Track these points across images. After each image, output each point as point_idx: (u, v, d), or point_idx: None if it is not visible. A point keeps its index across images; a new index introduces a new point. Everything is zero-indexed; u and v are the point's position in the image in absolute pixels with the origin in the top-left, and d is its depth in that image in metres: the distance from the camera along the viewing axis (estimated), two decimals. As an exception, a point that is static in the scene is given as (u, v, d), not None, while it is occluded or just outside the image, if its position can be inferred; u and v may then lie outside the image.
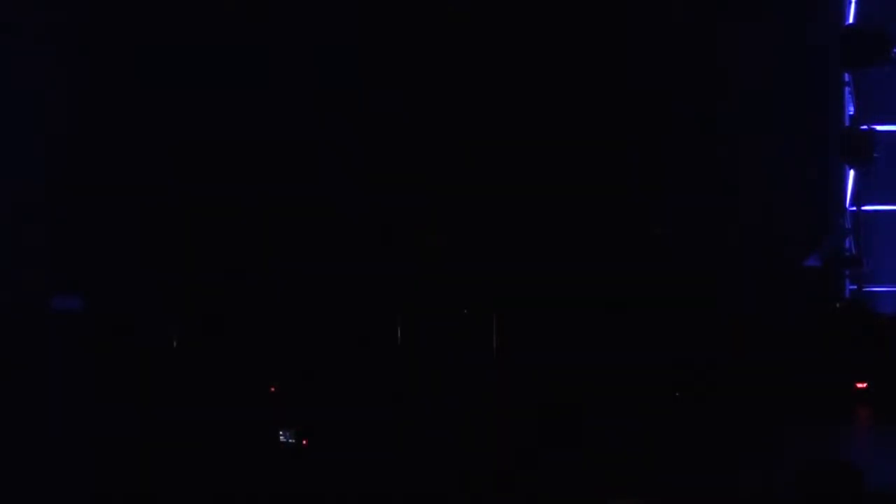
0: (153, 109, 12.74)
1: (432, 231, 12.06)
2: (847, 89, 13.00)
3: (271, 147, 12.59)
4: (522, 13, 12.64)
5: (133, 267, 12.45)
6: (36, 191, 12.85)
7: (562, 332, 11.42)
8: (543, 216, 12.23)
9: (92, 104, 12.81)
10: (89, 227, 12.62)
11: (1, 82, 12.90)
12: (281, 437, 9.05)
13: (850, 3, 12.98)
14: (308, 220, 12.37)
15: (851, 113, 12.97)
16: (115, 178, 12.76)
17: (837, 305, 12.37)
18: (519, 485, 8.17)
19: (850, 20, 12.96)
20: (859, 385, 11.39)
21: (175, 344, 11.86)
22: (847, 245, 12.86)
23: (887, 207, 12.98)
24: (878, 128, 12.77)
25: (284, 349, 11.43)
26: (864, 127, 12.78)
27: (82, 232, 12.63)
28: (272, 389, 10.78)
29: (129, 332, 12.09)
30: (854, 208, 12.96)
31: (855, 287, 12.90)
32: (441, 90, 12.60)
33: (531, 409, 10.12)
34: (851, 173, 12.95)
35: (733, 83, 12.84)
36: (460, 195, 12.36)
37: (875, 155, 12.65)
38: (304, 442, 9.10)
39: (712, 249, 12.48)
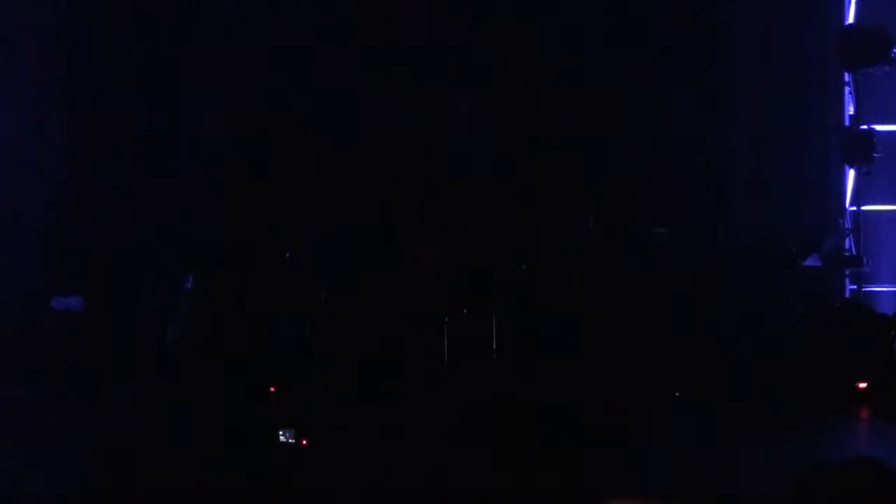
0: (152, 109, 12.76)
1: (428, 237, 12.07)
2: (847, 89, 13.00)
3: (266, 143, 12.62)
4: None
5: (133, 267, 12.47)
6: (36, 192, 12.88)
7: (560, 332, 11.42)
8: (541, 213, 12.24)
9: (90, 104, 12.84)
10: (89, 227, 12.64)
11: (2, 83, 12.93)
12: (281, 437, 9.05)
13: (850, 3, 12.98)
14: (307, 219, 12.38)
15: (851, 113, 12.97)
16: (115, 178, 12.80)
17: (837, 305, 12.36)
18: (518, 484, 8.17)
19: (850, 20, 12.96)
20: (859, 385, 11.39)
21: (175, 344, 11.88)
22: (847, 245, 12.86)
23: (887, 207, 12.98)
24: (878, 128, 12.77)
25: (284, 349, 11.44)
26: (864, 127, 12.78)
27: (82, 232, 12.65)
28: (272, 389, 10.79)
29: (129, 332, 12.12)
30: (854, 208, 12.96)
31: (855, 287, 12.90)
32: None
33: (530, 409, 10.11)
34: (851, 173, 12.95)
35: (733, 83, 12.84)
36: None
37: (875, 155, 12.64)
38: (304, 442, 9.10)
39: (712, 249, 12.48)
